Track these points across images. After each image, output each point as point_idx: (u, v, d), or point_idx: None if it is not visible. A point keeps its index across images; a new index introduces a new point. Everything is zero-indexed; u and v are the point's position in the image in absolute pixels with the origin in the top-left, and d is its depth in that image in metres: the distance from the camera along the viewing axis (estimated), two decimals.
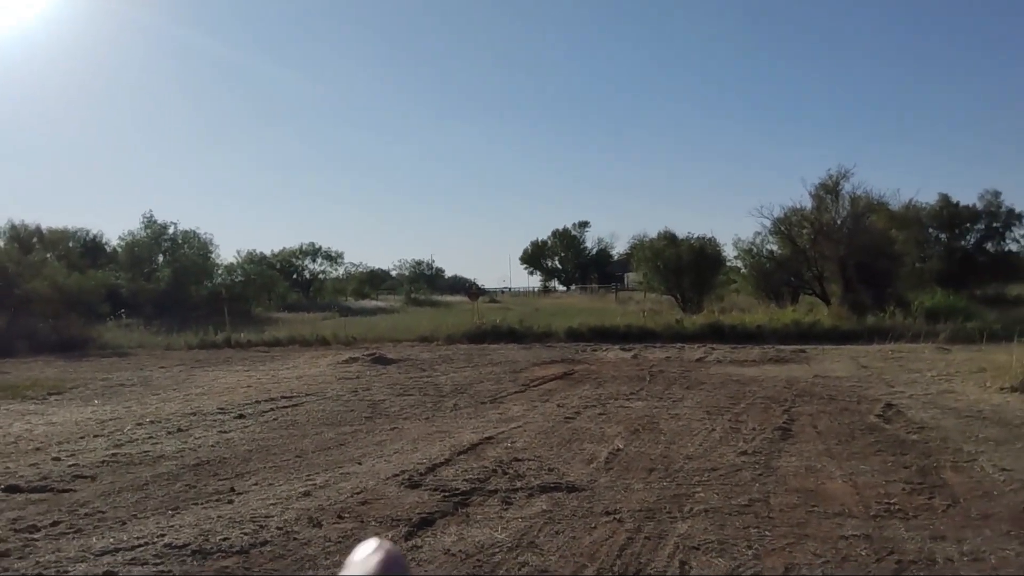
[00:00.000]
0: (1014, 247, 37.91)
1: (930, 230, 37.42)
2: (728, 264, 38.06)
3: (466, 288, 40.51)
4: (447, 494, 6.65)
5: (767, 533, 5.53)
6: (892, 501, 6.28)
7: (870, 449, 8.24)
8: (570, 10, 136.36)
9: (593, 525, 5.74)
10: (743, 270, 36.66)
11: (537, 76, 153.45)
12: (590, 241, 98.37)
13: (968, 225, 37.76)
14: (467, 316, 27.54)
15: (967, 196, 47.87)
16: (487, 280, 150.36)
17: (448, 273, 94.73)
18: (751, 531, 5.58)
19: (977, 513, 5.95)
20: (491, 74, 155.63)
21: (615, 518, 5.88)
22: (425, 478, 7.23)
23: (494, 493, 6.67)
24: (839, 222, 29.03)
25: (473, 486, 6.89)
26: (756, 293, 34.03)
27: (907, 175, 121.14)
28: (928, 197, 38.27)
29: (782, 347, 20.24)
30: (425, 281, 76.78)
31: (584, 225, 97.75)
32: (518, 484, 6.94)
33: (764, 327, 23.19)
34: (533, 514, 6.05)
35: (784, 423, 9.76)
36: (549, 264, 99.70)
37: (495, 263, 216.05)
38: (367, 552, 0.65)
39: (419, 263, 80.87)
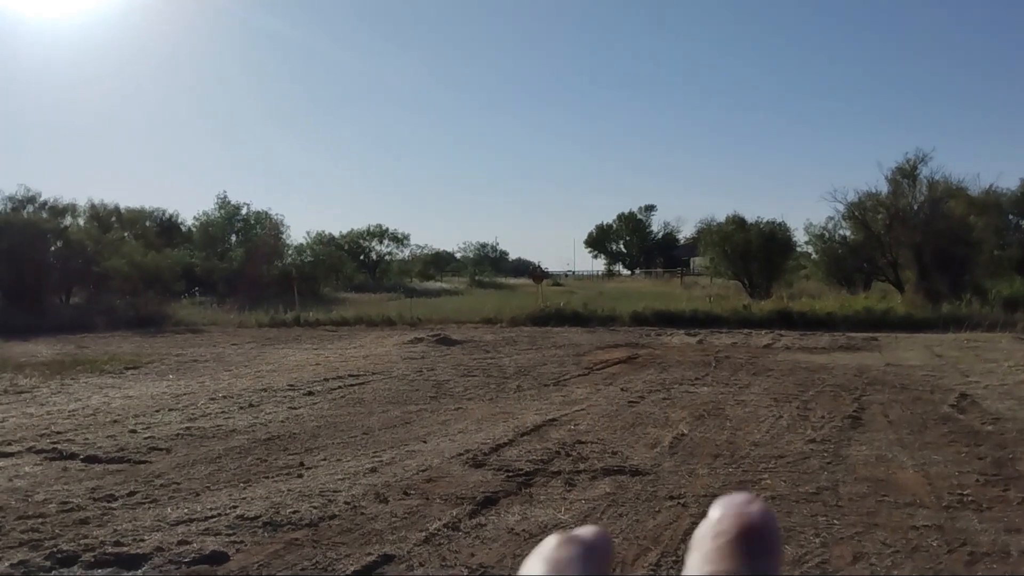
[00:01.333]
0: None
1: (1010, 216, 35.98)
2: (798, 249, 37.33)
3: (530, 271, 40.47)
4: (511, 474, 6.71)
5: (835, 522, 5.45)
6: (965, 492, 6.12)
7: (943, 439, 8.04)
8: None
9: (657, 509, 5.73)
10: (814, 255, 35.87)
11: (603, 63, 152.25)
12: (656, 225, 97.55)
13: None
14: (531, 299, 27.59)
15: None
16: (551, 263, 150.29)
17: (512, 256, 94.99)
18: (819, 519, 5.50)
19: None
20: (557, 62, 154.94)
21: (679, 503, 5.87)
22: (489, 458, 7.30)
23: (557, 475, 6.70)
24: (915, 207, 28.18)
25: (536, 467, 6.93)
26: (827, 279, 33.30)
27: (988, 160, 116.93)
28: (1010, 183, 36.85)
29: (853, 335, 19.79)
30: (489, 263, 77.17)
31: (650, 209, 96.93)
32: (581, 466, 6.96)
33: (835, 314, 22.69)
34: (596, 496, 6.06)
35: (854, 412, 9.57)
36: (614, 248, 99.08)
37: (559, 246, 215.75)
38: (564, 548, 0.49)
39: (483, 245, 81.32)
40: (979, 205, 31.64)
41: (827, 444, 7.84)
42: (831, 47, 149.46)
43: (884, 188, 29.12)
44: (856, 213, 29.86)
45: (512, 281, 60.10)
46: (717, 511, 0.50)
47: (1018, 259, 33.92)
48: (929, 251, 26.81)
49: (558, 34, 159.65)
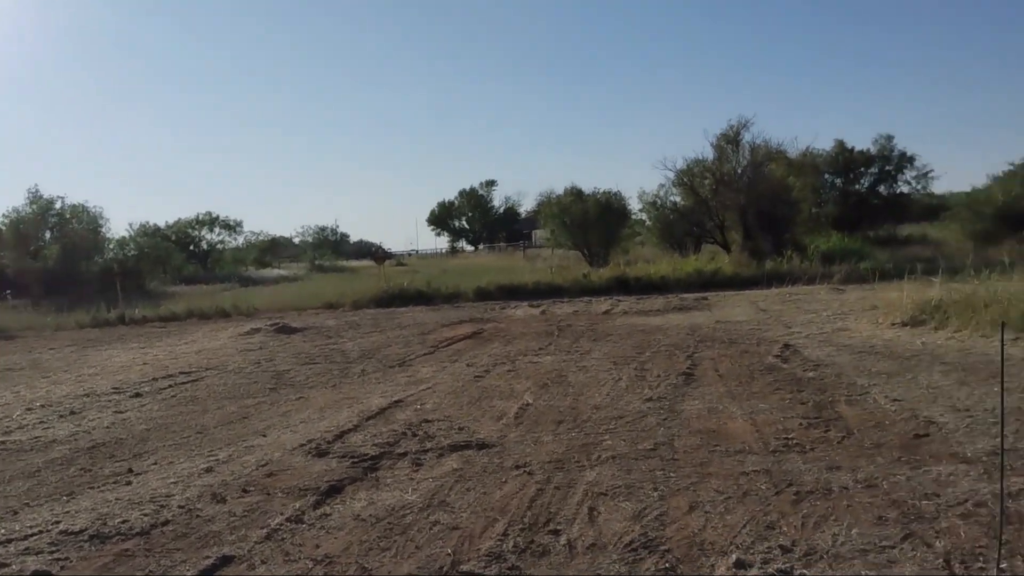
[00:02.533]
0: (905, 189, 39.46)
1: (826, 176, 38.60)
2: (634, 217, 38.58)
3: (371, 252, 39.93)
4: (356, 460, 6.54)
5: (672, 475, 5.63)
6: (790, 436, 6.48)
7: (769, 388, 8.49)
8: None
9: (503, 480, 5.73)
10: (648, 222, 37.21)
11: (433, 37, 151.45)
12: (497, 200, 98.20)
13: (862, 170, 39.04)
14: (373, 281, 27.16)
15: (861, 141, 49.48)
16: (394, 243, 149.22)
17: (353, 238, 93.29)
18: (656, 474, 5.67)
19: (870, 443, 6.18)
20: (386, 37, 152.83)
21: (525, 471, 5.89)
22: (333, 446, 7.10)
23: (404, 456, 6.60)
24: (739, 171, 29.73)
25: (382, 450, 6.79)
26: (661, 244, 34.67)
27: (804, 123, 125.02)
28: (825, 144, 39.48)
29: (685, 296, 20.71)
30: (329, 247, 75.52)
31: (491, 184, 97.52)
32: (428, 445, 6.88)
33: (668, 277, 23.67)
34: (443, 473, 6.00)
35: (687, 368, 9.96)
36: (456, 225, 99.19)
37: (401, 226, 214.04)
38: None
39: (323, 229, 79.46)
40: (797, 166, 33.75)
41: (663, 401, 8.12)
42: (657, 20, 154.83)
43: (710, 154, 30.55)
44: (685, 179, 31.18)
45: (354, 264, 59.02)
46: None
47: (834, 216, 36.44)
48: (753, 212, 28.37)
49: (386, 8, 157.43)
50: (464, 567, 4.19)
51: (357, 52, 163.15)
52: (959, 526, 4.37)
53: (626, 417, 7.51)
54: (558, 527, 4.68)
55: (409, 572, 4.20)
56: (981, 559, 3.87)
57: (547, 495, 5.30)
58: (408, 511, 5.18)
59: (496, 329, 15.84)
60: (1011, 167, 50.53)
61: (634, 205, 37.23)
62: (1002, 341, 3.80)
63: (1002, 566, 3.76)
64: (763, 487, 5.23)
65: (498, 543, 4.47)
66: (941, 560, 3.94)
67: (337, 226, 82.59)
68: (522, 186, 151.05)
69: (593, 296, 22.20)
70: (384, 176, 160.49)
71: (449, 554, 4.38)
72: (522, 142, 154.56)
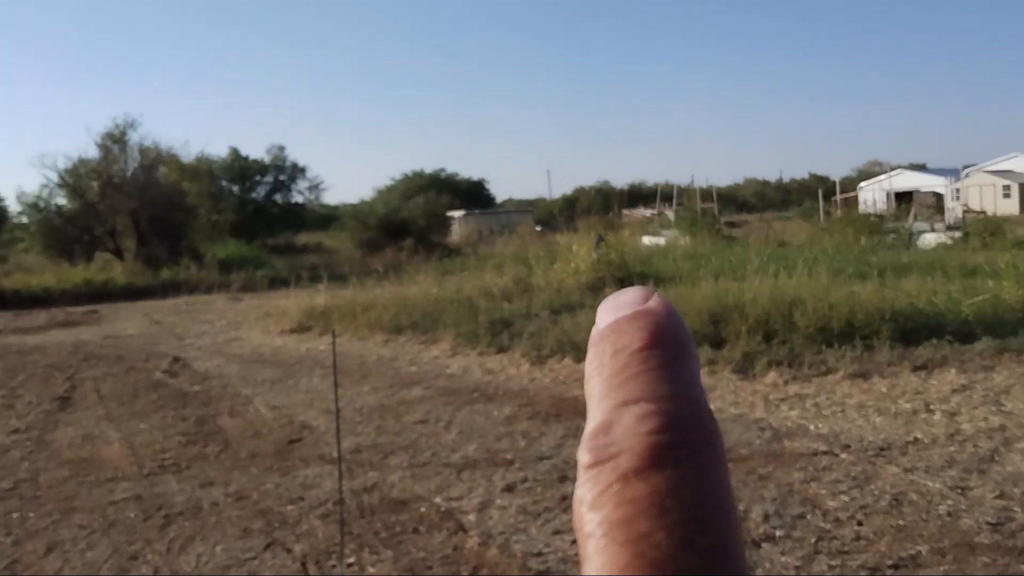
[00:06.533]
0: (300, 199, 41.66)
1: (223, 183, 38.80)
2: (13, 220, 34.18)
3: None
4: None
5: (31, 514, 5.08)
6: (167, 456, 6.32)
7: (152, 406, 8.20)
8: None
9: None
10: (31, 227, 33.28)
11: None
12: None
13: (259, 178, 40.11)
14: None
15: (256, 150, 50.80)
16: None
17: None
18: (13, 516, 5.07)
19: (246, 453, 6.34)
20: None
21: None
22: None
23: None
24: (129, 174, 28.24)
25: None
26: (46, 252, 31.24)
27: (195, 128, 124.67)
28: (219, 150, 39.67)
29: (72, 309, 18.98)
30: None
31: None
32: None
33: (52, 289, 21.46)
34: None
35: (65, 392, 9.13)
36: None
37: None
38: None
39: None
40: (191, 171, 33.34)
41: (32, 431, 7.32)
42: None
43: (96, 154, 28.45)
44: (69, 180, 28.57)
45: None
46: (607, 315, 0.37)
47: (233, 223, 36.80)
48: (146, 218, 27.21)
49: None
50: None
51: None
52: (318, 527, 4.70)
53: None
54: None
55: None
56: (334, 556, 4.20)
57: None
58: None
59: None
60: (392, 181, 57.33)
61: (13, 206, 33.00)
62: (333, 345, 4.19)
63: (350, 561, 4.13)
64: (132, 515, 5.01)
65: None
66: (299, 563, 4.19)
67: None
68: None
69: None
70: None
71: None
72: None
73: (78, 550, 4.47)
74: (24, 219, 32.68)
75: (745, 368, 7.84)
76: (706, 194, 39.04)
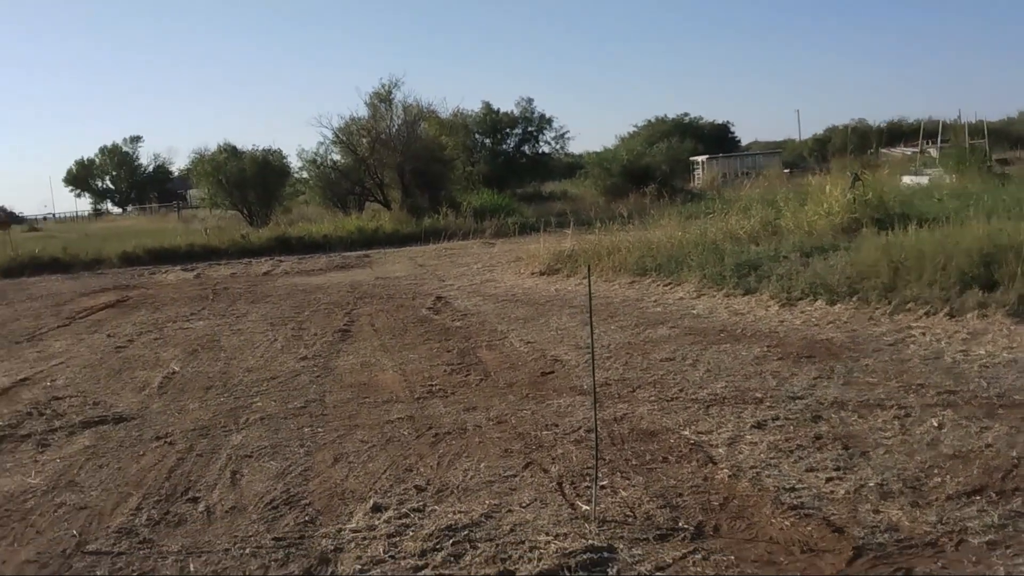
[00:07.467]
0: (547, 149, 42.58)
1: (476, 136, 40.46)
2: (295, 175, 37.72)
3: None
4: None
5: (319, 430, 5.75)
6: (434, 383, 6.89)
7: (420, 339, 8.91)
8: None
9: (141, 452, 5.48)
10: (310, 181, 36.57)
11: None
12: (145, 157, 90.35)
13: (509, 130, 41.43)
14: None
15: (506, 103, 52.33)
16: (26, 207, 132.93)
17: None
18: (305, 431, 5.76)
19: (504, 383, 6.76)
20: None
21: (166, 442, 5.68)
22: None
23: (28, 437, 6.05)
24: (394, 130, 30.21)
25: (2, 434, 6.17)
26: (323, 203, 34.27)
27: (452, 85, 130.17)
28: (473, 105, 41.33)
29: (348, 254, 20.84)
30: None
31: (136, 140, 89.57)
32: (57, 424, 6.37)
33: (330, 236, 23.63)
34: (73, 452, 5.61)
35: (344, 325, 10.12)
36: (100, 185, 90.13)
37: (34, 187, 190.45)
38: None
39: None
40: (449, 126, 34.99)
41: (318, 359, 8.21)
42: None
43: (365, 113, 30.69)
44: (342, 137, 31.07)
45: None
46: None
47: (486, 174, 38.30)
48: (410, 170, 29.08)
49: None
50: (91, 546, 3.99)
51: None
52: (572, 451, 4.96)
53: (279, 377, 7.50)
54: (197, 495, 4.61)
55: (27, 559, 3.91)
56: (588, 478, 4.42)
57: (188, 464, 5.17)
58: (30, 495, 4.79)
59: (144, 296, 14.86)
60: (635, 128, 56.96)
61: (294, 163, 36.40)
62: (589, 283, 4.34)
63: (603, 484, 4.34)
64: (406, 432, 5.53)
65: (130, 518, 4.30)
66: (555, 483, 4.46)
67: None
68: (172, 142, 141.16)
69: (253, 257, 21.55)
70: (9, 131, 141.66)
71: (75, 535, 4.14)
72: (169, 96, 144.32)
73: (360, 461, 5.03)
74: (304, 174, 35.90)
75: (1020, 311, 7.16)
76: (975, 130, 35.22)
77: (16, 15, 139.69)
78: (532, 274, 13.55)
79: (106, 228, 45.31)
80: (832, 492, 4.04)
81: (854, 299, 8.47)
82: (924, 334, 7.12)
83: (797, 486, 4.14)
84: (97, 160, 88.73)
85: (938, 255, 8.44)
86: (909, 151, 40.62)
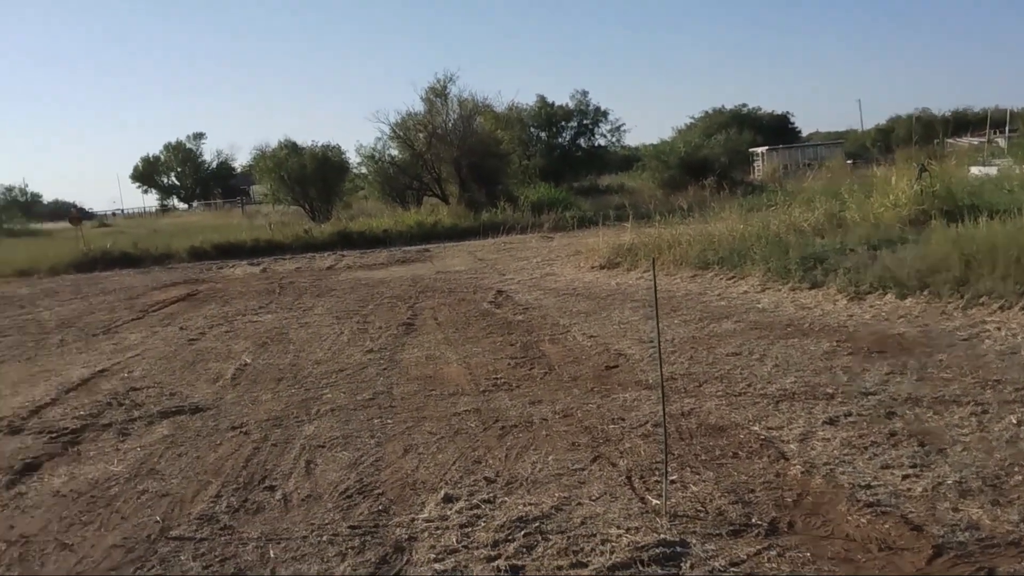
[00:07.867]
0: (603, 141, 42.34)
1: (532, 129, 40.41)
2: (354, 171, 38.18)
3: (68, 213, 36.39)
4: (54, 435, 6.13)
5: (389, 421, 5.84)
6: (499, 376, 6.94)
7: (482, 333, 8.98)
8: None
9: (218, 442, 5.64)
10: (369, 176, 36.97)
11: None
12: (208, 154, 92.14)
13: (564, 123, 41.29)
14: (72, 244, 24.87)
15: (560, 96, 52.19)
16: (96, 203, 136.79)
17: (48, 198, 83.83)
18: (374, 422, 5.86)
19: (568, 376, 6.78)
20: None
21: (241, 431, 5.84)
22: (28, 422, 6.59)
23: (109, 427, 6.27)
24: (450, 125, 30.37)
25: (84, 423, 6.40)
26: (382, 198, 34.63)
27: (506, 78, 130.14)
28: (527, 99, 41.27)
29: (408, 248, 21.07)
30: (20, 209, 67.69)
31: (200, 136, 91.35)
32: (136, 414, 6.58)
33: (391, 231, 23.89)
34: (153, 441, 5.79)
35: (408, 319, 10.24)
36: (165, 181, 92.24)
37: (103, 184, 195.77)
38: None
39: (9, 189, 71.09)
40: (504, 120, 35.03)
41: (383, 352, 8.33)
42: None
43: (421, 108, 30.91)
44: (399, 133, 31.34)
45: (50, 226, 53.40)
46: None
47: (542, 167, 38.28)
48: (466, 165, 29.22)
49: None
50: (174, 532, 4.13)
51: None
52: (640, 445, 4.96)
53: (347, 370, 7.62)
54: (274, 483, 4.73)
55: (114, 543, 4.06)
56: (657, 473, 4.42)
57: (263, 453, 5.30)
58: (114, 483, 4.97)
59: (212, 290, 15.22)
60: (692, 120, 56.32)
61: (353, 158, 36.83)
62: (654, 275, 4.34)
63: (672, 478, 4.34)
64: (473, 425, 5.59)
65: (210, 505, 4.44)
66: (624, 477, 4.47)
67: (26, 186, 74.10)
68: (235, 139, 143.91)
69: (316, 252, 21.91)
70: (79, 128, 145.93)
71: (158, 521, 4.28)
72: (229, 94, 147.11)
73: (430, 452, 5.10)
74: (362, 169, 36.28)
75: None
76: None
77: (85, 19, 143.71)
78: (592, 268, 13.53)
79: (173, 223, 46.45)
80: (909, 490, 3.98)
81: (925, 293, 8.29)
82: (999, 329, 6.94)
83: (873, 483, 4.09)
84: (162, 157, 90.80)
85: (1011, 248, 8.22)
86: (976, 141, 39.41)
